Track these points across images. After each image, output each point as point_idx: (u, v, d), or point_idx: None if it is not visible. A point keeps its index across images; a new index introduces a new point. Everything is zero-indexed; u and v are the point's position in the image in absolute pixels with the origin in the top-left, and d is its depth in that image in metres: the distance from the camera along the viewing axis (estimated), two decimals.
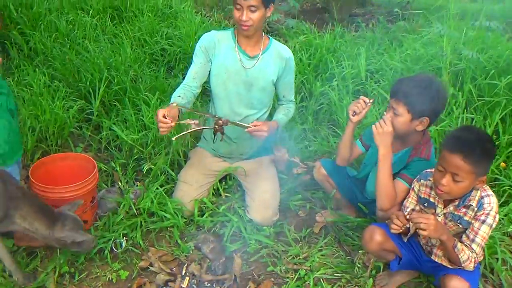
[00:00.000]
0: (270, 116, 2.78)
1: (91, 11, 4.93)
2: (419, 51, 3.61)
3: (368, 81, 3.72)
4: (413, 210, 2.12)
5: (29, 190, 2.35)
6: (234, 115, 2.64)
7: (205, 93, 3.51)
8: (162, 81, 3.69)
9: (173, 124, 2.17)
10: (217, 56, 2.58)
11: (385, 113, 2.21)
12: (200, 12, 5.53)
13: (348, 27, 5.45)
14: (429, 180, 2.05)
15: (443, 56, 3.15)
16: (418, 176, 2.13)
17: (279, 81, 2.67)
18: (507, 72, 3.17)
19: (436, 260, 2.08)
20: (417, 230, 1.87)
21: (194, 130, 2.37)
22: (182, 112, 2.40)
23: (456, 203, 1.97)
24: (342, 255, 2.49)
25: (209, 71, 2.61)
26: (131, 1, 5.13)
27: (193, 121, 2.25)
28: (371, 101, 2.25)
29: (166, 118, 2.15)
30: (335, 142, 3.18)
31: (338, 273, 2.38)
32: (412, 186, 2.14)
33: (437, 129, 2.91)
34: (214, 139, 2.45)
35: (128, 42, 4.32)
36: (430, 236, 1.92)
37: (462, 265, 1.93)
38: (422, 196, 2.09)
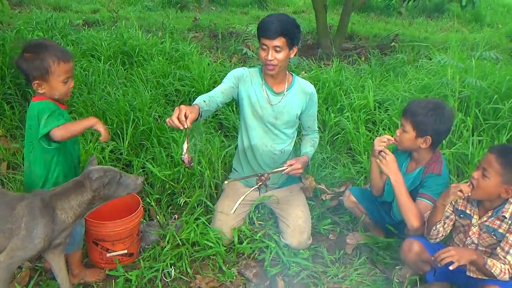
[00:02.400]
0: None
1: (102, 58, 5.15)
2: (423, 81, 3.88)
3: (377, 110, 3.98)
4: (447, 217, 2.31)
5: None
6: (264, 145, 2.84)
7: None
8: None
9: (186, 126, 2.21)
10: (250, 89, 2.78)
11: (397, 132, 2.51)
12: (205, 54, 5.80)
13: (342, 60, 5.76)
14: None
15: (449, 84, 3.41)
16: None
17: (303, 114, 2.88)
18: (509, 97, 3.44)
19: (472, 275, 2.23)
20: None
21: (244, 197, 2.73)
22: (201, 116, 2.45)
23: (490, 213, 2.16)
24: (377, 273, 2.65)
25: (242, 102, 2.79)
26: (140, 46, 5.38)
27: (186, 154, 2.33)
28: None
29: (186, 117, 2.21)
30: (355, 169, 3.38)
31: None
32: None
33: (451, 152, 3.14)
34: (259, 192, 2.74)
35: (142, 85, 4.53)
36: (462, 263, 2.07)
37: (497, 277, 2.09)
38: (459, 208, 2.29)
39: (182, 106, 2.25)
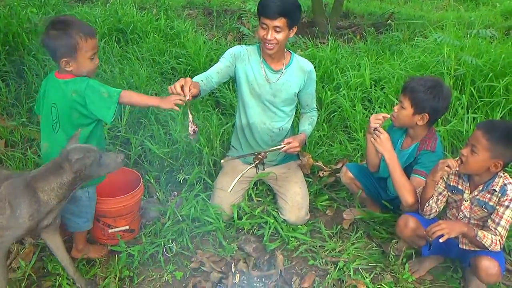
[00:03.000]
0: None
1: (97, 35, 5.10)
2: (419, 59, 3.90)
3: (373, 88, 4.00)
4: (440, 194, 2.37)
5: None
6: (262, 123, 2.86)
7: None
8: None
9: (187, 99, 2.27)
10: (247, 67, 2.79)
11: (394, 108, 2.54)
12: (201, 32, 5.76)
13: (337, 39, 5.75)
14: (456, 170, 2.30)
15: (445, 62, 3.44)
16: None
17: (302, 92, 2.89)
18: (504, 75, 3.48)
19: (464, 247, 2.32)
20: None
21: (241, 176, 2.73)
22: (200, 94, 2.55)
23: (481, 188, 2.22)
24: (373, 247, 2.72)
25: (240, 80, 2.80)
26: (135, 24, 5.33)
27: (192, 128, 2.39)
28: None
29: (189, 90, 2.26)
30: (351, 146, 3.43)
31: (372, 263, 2.60)
32: None
33: (446, 129, 3.19)
34: (257, 170, 2.76)
35: (138, 63, 4.51)
36: (452, 235, 2.15)
37: (489, 248, 2.16)
38: (451, 184, 2.35)
39: (188, 79, 2.29)
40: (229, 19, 6.76)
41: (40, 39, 2.21)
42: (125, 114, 3.54)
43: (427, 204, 2.35)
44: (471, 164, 2.17)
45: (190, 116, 2.36)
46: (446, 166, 2.19)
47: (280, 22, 2.55)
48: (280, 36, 2.60)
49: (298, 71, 2.83)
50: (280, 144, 2.73)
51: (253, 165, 2.78)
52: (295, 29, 2.68)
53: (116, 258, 2.55)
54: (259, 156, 2.75)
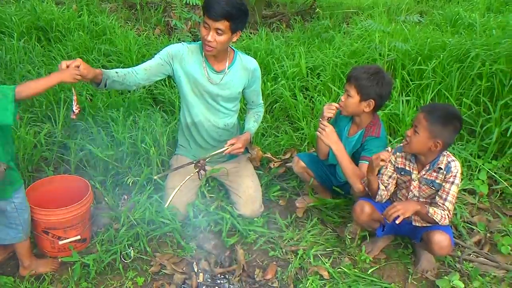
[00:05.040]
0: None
1: (15, 35, 4.76)
2: (352, 46, 4.04)
3: (309, 77, 4.10)
4: (389, 177, 2.49)
5: None
6: (207, 121, 2.83)
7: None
8: (118, 97, 3.74)
9: (77, 76, 2.17)
10: (187, 66, 2.69)
11: (341, 98, 2.63)
12: (127, 27, 5.56)
13: (265, 28, 5.80)
14: (403, 152, 2.43)
15: (377, 48, 3.59)
16: (393, 150, 2.49)
17: (246, 89, 2.87)
18: (430, 58, 3.70)
19: (417, 224, 2.47)
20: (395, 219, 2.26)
21: (181, 186, 2.71)
22: (105, 85, 2.44)
23: (427, 167, 2.36)
24: (329, 233, 2.80)
25: (180, 80, 2.72)
26: (56, 21, 5.04)
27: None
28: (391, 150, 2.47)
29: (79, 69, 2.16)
30: (296, 136, 3.49)
31: (329, 248, 2.69)
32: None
33: (384, 113, 3.34)
34: (199, 176, 2.75)
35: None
36: (407, 215, 2.28)
37: (439, 223, 2.31)
38: (399, 166, 2.47)
39: (79, 59, 2.19)
40: (154, 12, 6.58)
41: None
42: (60, 118, 3.36)
43: (377, 196, 2.46)
44: (414, 143, 2.31)
45: (74, 95, 2.29)
46: (380, 160, 2.30)
47: (222, 25, 2.45)
48: (221, 39, 2.50)
49: (242, 70, 2.78)
50: (223, 146, 2.71)
51: (196, 171, 2.75)
52: (239, 33, 2.60)
53: (70, 270, 2.42)
54: (199, 164, 2.72)
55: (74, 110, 2.29)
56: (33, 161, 3.09)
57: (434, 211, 2.30)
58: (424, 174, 2.39)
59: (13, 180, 2.22)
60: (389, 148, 2.36)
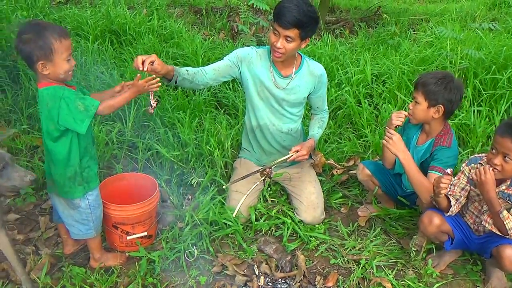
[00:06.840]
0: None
1: (90, 37, 5.02)
2: (420, 53, 3.93)
3: (374, 84, 4.02)
4: (462, 189, 2.40)
5: None
6: (272, 125, 2.85)
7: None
8: (184, 99, 3.84)
9: (144, 68, 2.23)
10: (255, 69, 2.73)
11: (409, 105, 2.58)
12: (194, 31, 5.71)
13: (328, 34, 5.75)
14: (480, 163, 2.32)
15: (448, 56, 3.47)
16: (467, 161, 2.41)
17: (312, 95, 2.85)
18: (505, 67, 3.53)
19: (487, 226, 2.31)
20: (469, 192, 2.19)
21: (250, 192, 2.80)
22: (176, 81, 2.51)
23: (508, 182, 2.24)
24: (393, 243, 2.74)
25: (247, 83, 2.75)
26: (128, 25, 5.25)
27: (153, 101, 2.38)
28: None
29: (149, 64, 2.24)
30: (359, 143, 3.44)
31: (392, 259, 2.62)
32: (462, 169, 2.42)
33: (454, 123, 3.22)
34: (264, 184, 2.81)
35: None
36: (483, 189, 2.16)
37: (509, 232, 2.18)
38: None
39: (154, 55, 2.28)
40: (219, 17, 6.71)
41: (14, 45, 2.14)
42: (130, 118, 3.50)
43: (449, 211, 2.36)
44: (508, 171, 2.17)
45: (151, 92, 2.36)
46: (441, 187, 2.22)
47: (292, 32, 2.45)
48: (290, 46, 2.51)
49: (308, 76, 2.77)
50: (288, 153, 2.72)
51: (262, 178, 2.81)
52: (308, 40, 2.59)
53: (136, 265, 2.51)
54: (265, 172, 2.77)
55: (152, 104, 2.37)
56: (104, 158, 3.24)
57: (508, 216, 2.17)
58: (504, 189, 2.27)
59: (90, 179, 2.33)
60: (450, 170, 2.24)
